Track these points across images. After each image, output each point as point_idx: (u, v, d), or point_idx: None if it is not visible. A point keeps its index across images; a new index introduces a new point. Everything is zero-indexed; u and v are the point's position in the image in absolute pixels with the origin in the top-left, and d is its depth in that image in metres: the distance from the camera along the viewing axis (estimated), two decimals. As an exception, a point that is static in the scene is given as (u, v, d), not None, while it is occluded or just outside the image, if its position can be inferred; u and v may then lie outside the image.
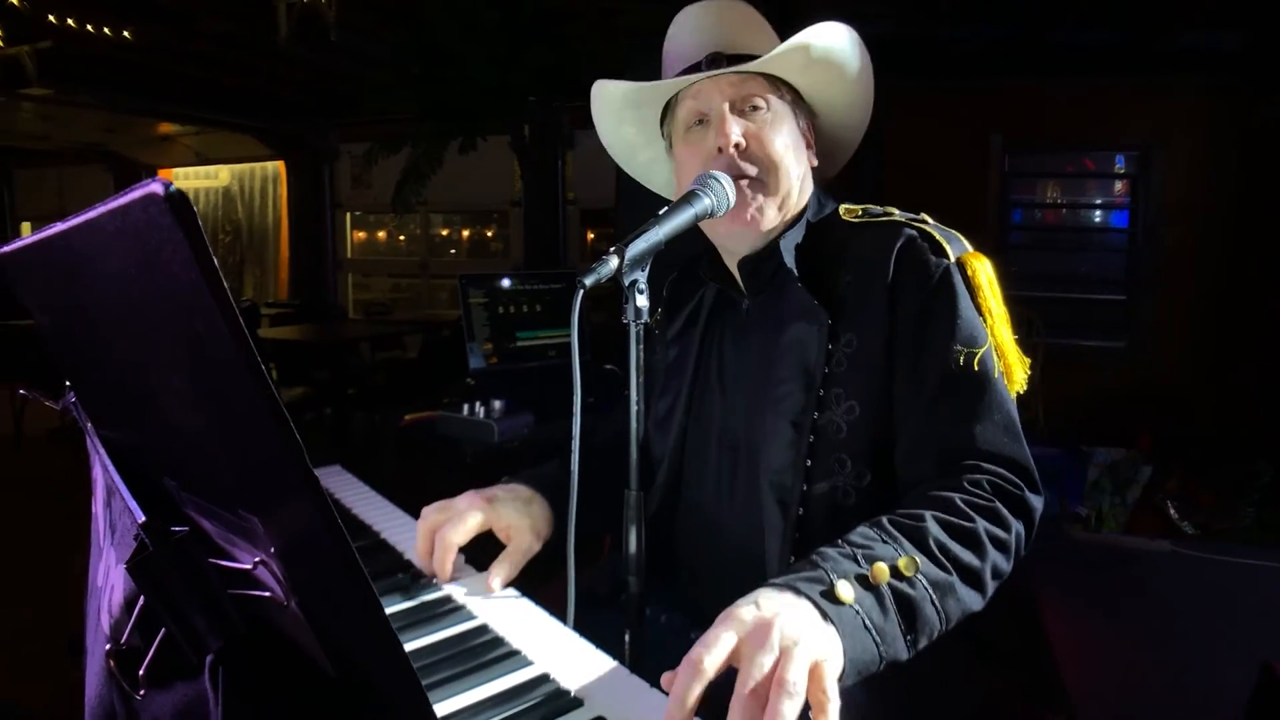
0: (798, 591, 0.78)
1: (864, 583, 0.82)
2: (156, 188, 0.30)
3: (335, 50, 5.06)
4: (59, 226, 0.46)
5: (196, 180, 9.80)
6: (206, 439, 0.41)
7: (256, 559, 0.43)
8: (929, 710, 1.04)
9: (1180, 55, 4.65)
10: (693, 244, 1.30)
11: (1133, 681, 2.55)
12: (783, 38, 1.16)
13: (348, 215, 8.81)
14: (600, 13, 4.24)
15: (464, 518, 1.12)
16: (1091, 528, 3.84)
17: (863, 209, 1.20)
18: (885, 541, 0.88)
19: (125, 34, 5.28)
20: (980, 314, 1.06)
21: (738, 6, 1.22)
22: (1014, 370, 1.08)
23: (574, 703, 0.81)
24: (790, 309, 1.14)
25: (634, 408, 1.07)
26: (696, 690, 0.69)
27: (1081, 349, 5.23)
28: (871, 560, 0.84)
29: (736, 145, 1.13)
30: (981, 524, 0.92)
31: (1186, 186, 4.94)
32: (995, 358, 1.05)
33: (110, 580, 0.58)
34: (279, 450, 0.33)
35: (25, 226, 11.14)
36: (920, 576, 0.85)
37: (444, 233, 8.73)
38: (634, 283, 1.05)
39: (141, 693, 0.44)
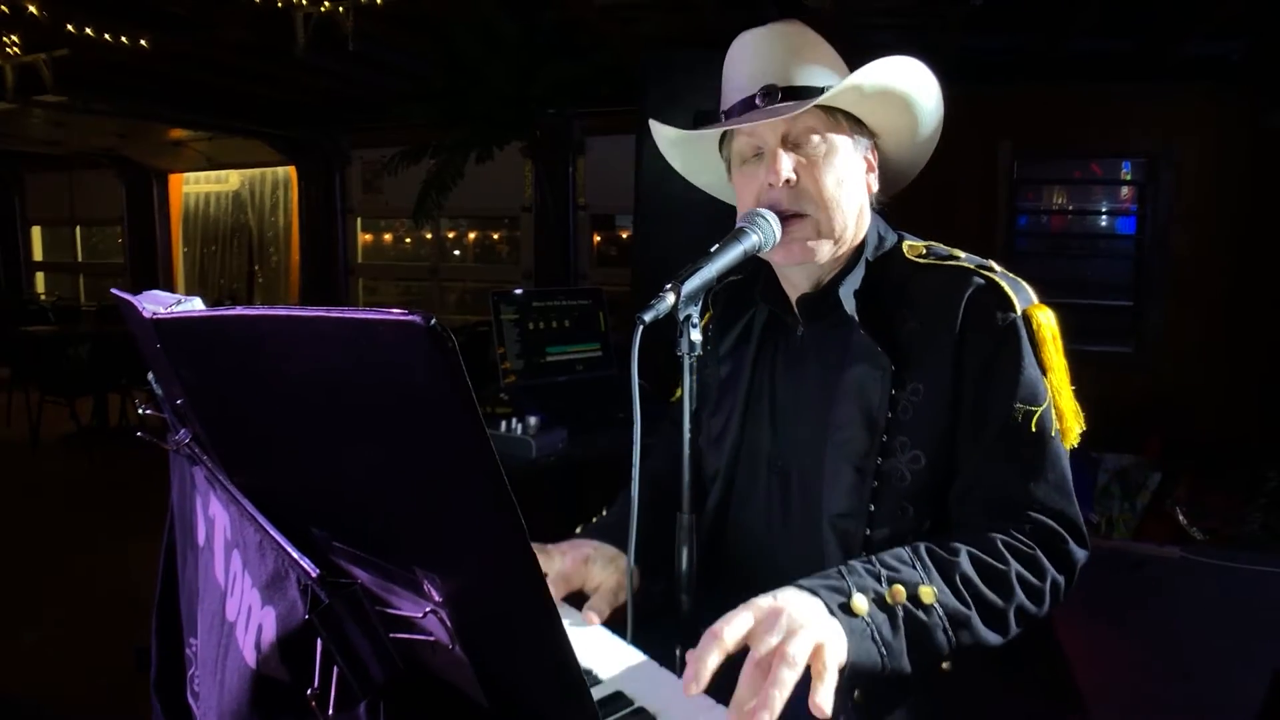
0: (814, 594, 0.87)
1: (880, 601, 0.90)
2: (417, 319, 0.35)
3: (351, 59, 5.11)
4: (246, 310, 0.52)
5: (206, 185, 9.83)
6: (396, 507, 0.47)
7: (427, 609, 0.49)
8: (948, 710, 1.08)
9: (1188, 63, 4.69)
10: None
11: (1144, 687, 2.59)
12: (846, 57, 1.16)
13: (358, 220, 8.84)
14: (618, 23, 4.28)
15: (561, 578, 1.17)
16: (1101, 533, 3.88)
17: (926, 247, 1.21)
18: (913, 567, 0.94)
19: (142, 42, 5.33)
20: (1042, 369, 1.09)
21: (795, 33, 1.19)
22: (1070, 428, 1.10)
23: (649, 719, 0.86)
24: (851, 350, 1.15)
25: (686, 434, 1.13)
26: (715, 657, 0.79)
27: (1089, 355, 5.21)
28: (893, 583, 0.91)
29: (788, 181, 1.14)
30: (1015, 568, 0.98)
31: (1194, 193, 4.98)
32: (1054, 415, 1.08)
33: (255, 619, 0.64)
34: (496, 528, 0.38)
35: (35, 231, 11.17)
36: (937, 606, 0.92)
37: (451, 235, 8.77)
38: (688, 317, 1.10)
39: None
